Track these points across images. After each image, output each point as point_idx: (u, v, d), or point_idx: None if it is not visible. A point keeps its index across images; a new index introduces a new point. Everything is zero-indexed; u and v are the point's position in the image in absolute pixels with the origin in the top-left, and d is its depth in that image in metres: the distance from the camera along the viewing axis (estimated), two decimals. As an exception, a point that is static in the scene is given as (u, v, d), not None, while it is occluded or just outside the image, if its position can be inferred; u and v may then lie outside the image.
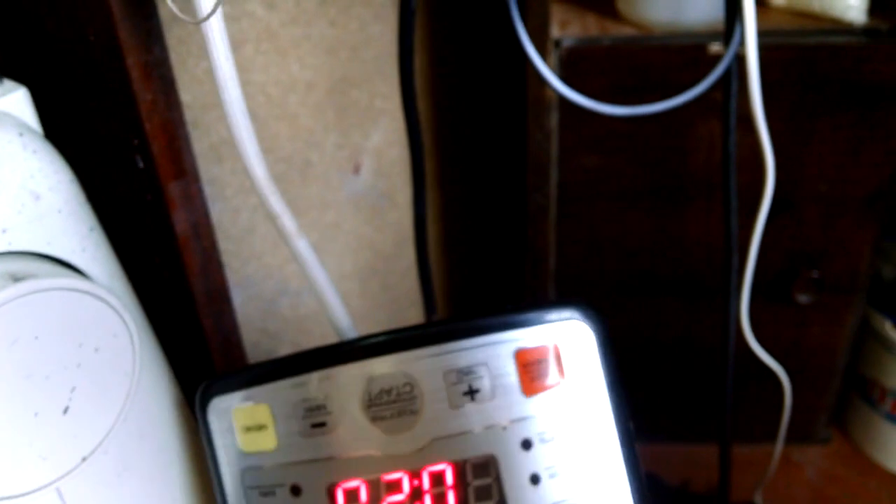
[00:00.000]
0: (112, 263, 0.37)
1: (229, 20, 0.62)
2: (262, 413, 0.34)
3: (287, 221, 0.36)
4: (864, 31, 0.62)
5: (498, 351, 0.31)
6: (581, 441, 0.32)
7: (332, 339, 0.86)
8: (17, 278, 0.29)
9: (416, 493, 0.32)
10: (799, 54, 0.61)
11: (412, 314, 0.96)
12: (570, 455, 0.32)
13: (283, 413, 0.33)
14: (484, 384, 0.31)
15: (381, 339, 0.34)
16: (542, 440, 0.31)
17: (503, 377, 0.31)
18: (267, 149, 0.73)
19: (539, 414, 0.32)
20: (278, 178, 0.75)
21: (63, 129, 0.34)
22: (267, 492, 0.34)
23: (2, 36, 0.33)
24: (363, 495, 0.32)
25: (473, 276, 1.02)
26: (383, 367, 0.32)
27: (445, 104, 0.86)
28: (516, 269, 0.89)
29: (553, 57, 0.63)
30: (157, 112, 0.35)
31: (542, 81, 0.66)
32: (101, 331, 0.32)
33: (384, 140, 0.81)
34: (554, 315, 0.32)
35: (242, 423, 0.34)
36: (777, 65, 0.60)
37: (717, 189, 0.69)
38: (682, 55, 0.62)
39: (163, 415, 0.40)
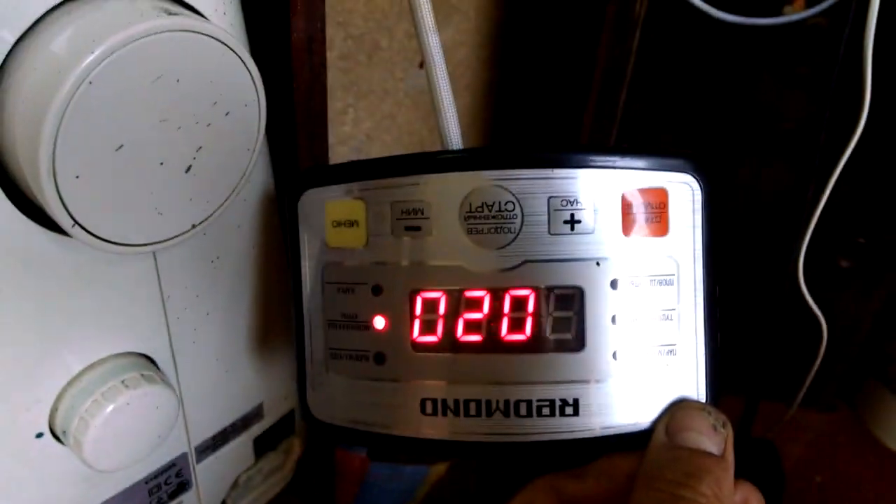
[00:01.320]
0: (244, 39, 0.36)
1: None
2: (357, 209, 0.34)
3: (427, 13, 0.35)
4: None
5: (607, 186, 0.31)
6: (667, 294, 0.32)
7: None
8: (170, 13, 0.29)
9: (495, 315, 0.32)
10: None
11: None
12: (653, 305, 0.32)
13: (379, 212, 0.33)
14: (586, 216, 0.31)
15: (489, 153, 0.33)
16: (633, 283, 0.31)
17: (607, 213, 0.31)
18: (340, 23, 0.72)
19: (634, 257, 0.32)
20: (345, 56, 0.74)
21: None
22: (346, 289, 0.34)
23: None
24: (442, 307, 0.32)
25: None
26: (488, 180, 0.32)
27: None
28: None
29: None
30: None
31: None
32: (238, 96, 0.32)
33: (453, 38, 0.80)
34: (667, 164, 0.31)
35: (334, 217, 0.34)
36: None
37: (772, 146, 0.68)
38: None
39: (261, 208, 0.41)
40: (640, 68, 0.66)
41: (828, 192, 0.52)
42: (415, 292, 0.32)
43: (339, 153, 0.78)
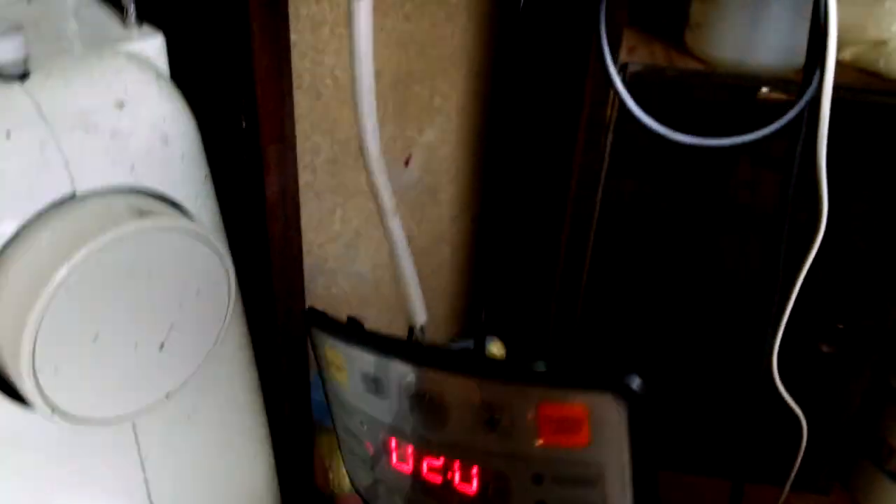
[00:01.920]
0: (217, 214, 0.39)
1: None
2: (341, 360, 0.38)
3: (386, 199, 0.37)
4: (926, 96, 0.63)
5: (526, 398, 0.34)
6: (592, 495, 0.35)
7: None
8: (141, 213, 0.31)
9: (446, 470, 0.34)
10: (862, 111, 0.63)
11: (440, 309, 0.98)
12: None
13: (354, 369, 0.37)
14: (505, 420, 0.34)
15: (433, 354, 0.37)
16: (556, 482, 0.34)
17: (525, 420, 0.34)
18: (327, 130, 0.75)
19: (553, 460, 0.35)
20: (333, 160, 0.77)
21: (178, 78, 0.36)
22: (345, 411, 0.38)
23: None
24: (409, 452, 0.36)
25: (505, 278, 1.04)
26: (426, 375, 0.35)
27: (498, 113, 0.87)
28: (547, 282, 0.90)
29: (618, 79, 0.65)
30: (270, 79, 0.37)
31: (604, 103, 0.67)
32: (205, 276, 0.35)
33: (437, 137, 0.83)
34: (589, 383, 0.34)
35: (328, 356, 0.39)
36: (838, 119, 0.62)
37: (750, 226, 0.70)
38: (743, 96, 0.63)
39: (233, 365, 0.43)
40: (615, 162, 0.69)
41: (799, 282, 0.53)
42: (387, 437, 0.36)
43: (329, 251, 0.80)
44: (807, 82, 0.41)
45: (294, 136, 0.41)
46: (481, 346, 0.49)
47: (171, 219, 0.32)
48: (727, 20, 0.63)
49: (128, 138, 0.31)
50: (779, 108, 0.63)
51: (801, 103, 0.40)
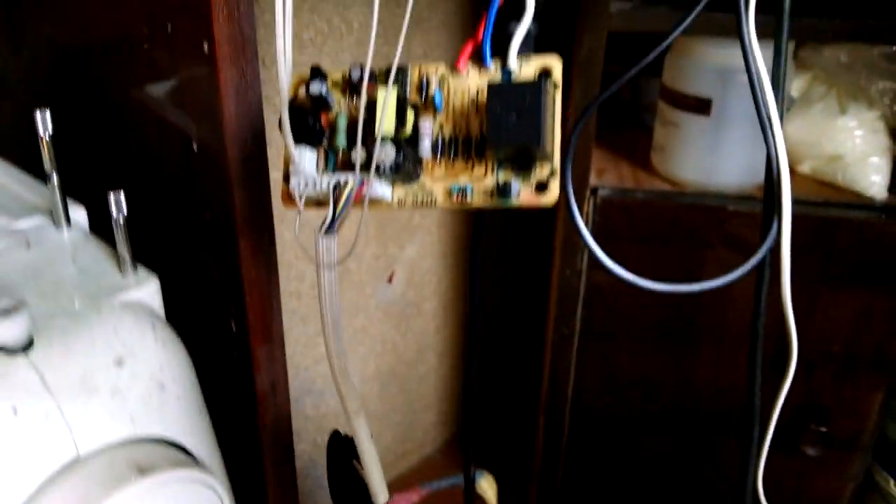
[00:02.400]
0: (211, 439, 0.40)
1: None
2: None
3: (351, 405, 0.39)
4: (885, 207, 0.66)
5: None
6: None
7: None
8: (142, 469, 0.32)
9: None
10: (822, 224, 0.65)
11: (426, 418, 0.99)
12: None
13: None
14: None
15: None
16: None
17: None
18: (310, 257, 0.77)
19: None
20: (317, 285, 0.79)
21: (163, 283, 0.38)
22: None
23: (134, 221, 0.37)
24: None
25: (490, 396, 1.05)
26: None
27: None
28: (531, 398, 0.91)
29: (589, 203, 0.67)
30: (257, 287, 0.39)
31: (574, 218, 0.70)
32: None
33: (418, 252, 0.85)
34: None
35: None
36: (799, 232, 0.64)
37: (727, 337, 0.72)
38: (711, 214, 0.66)
39: None
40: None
41: (776, 414, 0.54)
42: None
43: (316, 372, 0.81)
44: (766, 228, 0.43)
45: (282, 334, 0.42)
46: (471, 486, 0.50)
47: (170, 469, 0.34)
48: (689, 144, 0.66)
49: (127, 393, 0.33)
50: (745, 225, 0.66)
51: (763, 250, 0.42)
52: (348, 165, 0.33)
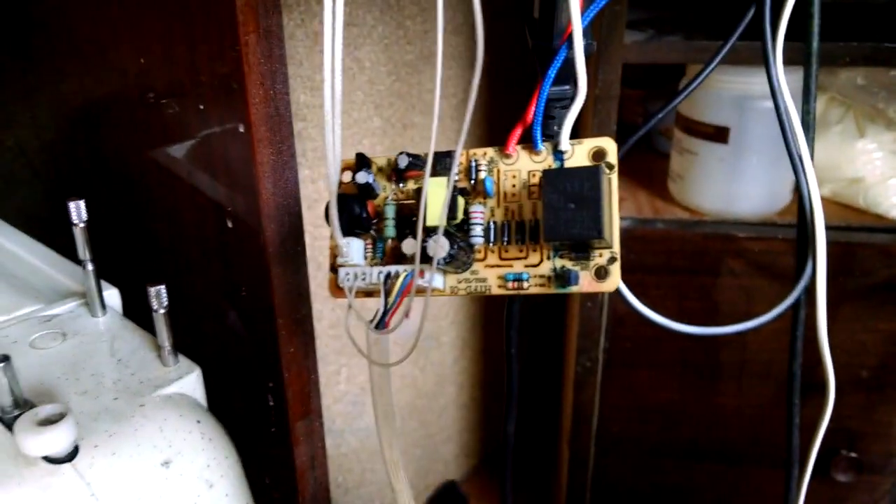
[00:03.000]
0: None
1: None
2: None
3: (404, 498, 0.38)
4: (907, 229, 0.65)
5: None
6: None
7: (371, 477, 0.87)
8: None
9: None
10: (846, 250, 0.64)
11: (447, 450, 0.98)
12: None
13: None
14: None
15: None
16: None
17: None
18: (326, 297, 0.76)
19: None
20: (335, 325, 0.78)
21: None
22: None
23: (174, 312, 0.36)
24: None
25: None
26: None
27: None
28: (551, 429, 0.90)
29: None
30: (295, 362, 0.38)
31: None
32: None
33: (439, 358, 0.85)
34: None
35: None
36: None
37: (749, 367, 0.71)
38: (731, 243, 0.65)
39: None
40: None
41: (814, 453, 0.53)
42: None
43: (336, 411, 0.80)
44: (801, 266, 0.42)
45: (320, 408, 0.41)
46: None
47: None
48: (707, 172, 0.65)
49: (174, 494, 0.32)
50: (767, 252, 0.65)
51: (797, 291, 0.41)
52: (398, 254, 0.33)
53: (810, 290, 0.43)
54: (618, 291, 0.41)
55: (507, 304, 0.40)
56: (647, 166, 0.77)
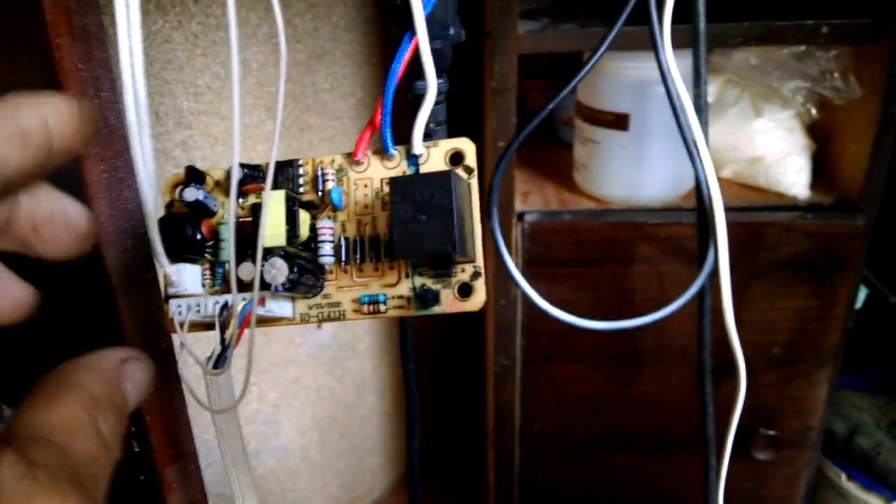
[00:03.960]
0: None
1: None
2: None
3: None
4: (808, 206, 0.65)
5: None
6: None
7: (293, 496, 0.84)
8: None
9: None
10: (750, 230, 0.64)
11: (372, 460, 0.95)
12: None
13: None
14: None
15: None
16: None
17: None
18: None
19: None
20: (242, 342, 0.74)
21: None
22: None
23: None
24: None
25: (437, 431, 1.01)
26: None
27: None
28: (477, 430, 0.89)
29: (517, 229, 0.65)
30: (157, 403, 0.34)
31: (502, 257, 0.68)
32: None
33: (345, 292, 0.82)
34: None
35: None
36: (729, 240, 0.63)
37: (666, 354, 0.71)
38: (639, 230, 0.64)
39: None
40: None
41: (731, 436, 0.52)
42: None
43: (250, 432, 0.76)
44: (703, 255, 0.41)
45: (194, 449, 0.38)
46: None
47: None
48: (610, 161, 0.64)
49: None
50: (674, 237, 0.65)
51: (701, 279, 0.40)
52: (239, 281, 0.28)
53: (714, 275, 0.42)
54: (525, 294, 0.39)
55: (399, 318, 0.37)
56: (552, 157, 0.76)
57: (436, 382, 1.03)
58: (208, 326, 0.29)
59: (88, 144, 0.27)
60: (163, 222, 0.27)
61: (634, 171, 0.63)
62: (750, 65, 0.66)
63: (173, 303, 0.28)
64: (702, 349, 0.43)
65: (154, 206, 0.25)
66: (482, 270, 0.29)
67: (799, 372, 0.70)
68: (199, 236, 0.29)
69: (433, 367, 1.00)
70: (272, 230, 0.28)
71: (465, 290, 0.29)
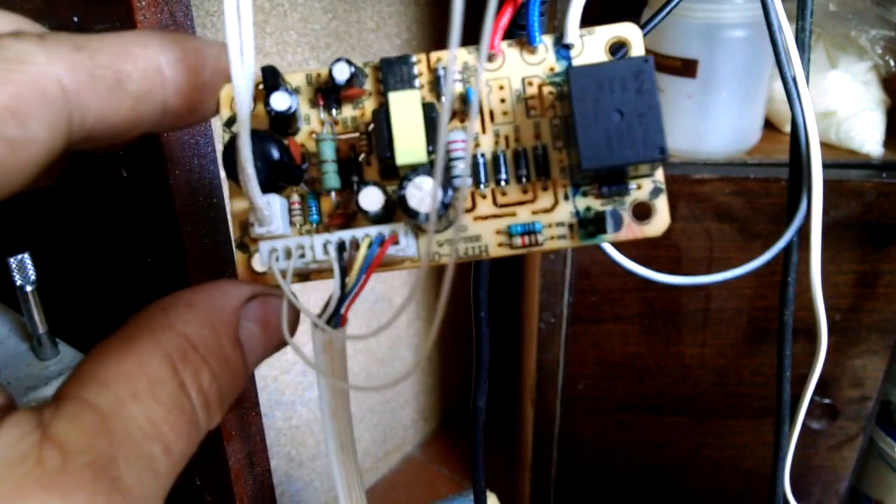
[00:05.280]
0: None
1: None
2: None
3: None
4: (882, 164, 0.62)
5: None
6: None
7: (326, 448, 0.83)
8: None
9: None
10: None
11: (404, 415, 0.93)
12: None
13: None
14: None
15: None
16: None
17: None
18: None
19: None
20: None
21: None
22: None
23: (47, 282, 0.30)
24: None
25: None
26: None
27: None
28: (510, 385, 0.86)
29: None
30: None
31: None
32: None
33: (384, 244, 0.79)
34: None
35: None
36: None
37: (712, 318, 0.68)
38: (701, 185, 0.61)
39: None
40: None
41: (804, 409, 0.50)
42: None
43: (284, 382, 0.75)
44: (793, 207, 0.38)
45: (255, 394, 0.35)
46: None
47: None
48: (675, 110, 0.61)
49: None
50: (736, 194, 0.61)
51: (790, 232, 0.37)
52: (345, 216, 0.23)
53: (802, 231, 0.39)
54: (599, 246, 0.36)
55: (474, 262, 0.34)
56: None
57: (468, 338, 1.01)
58: (302, 276, 0.23)
59: (212, 112, 0.22)
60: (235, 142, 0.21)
61: (700, 121, 0.60)
62: (827, 11, 0.62)
63: (265, 246, 0.22)
64: (783, 308, 0.40)
65: (248, 116, 0.19)
66: (663, 185, 0.23)
67: (860, 339, 0.67)
68: (287, 159, 0.22)
69: (466, 321, 0.98)
70: (407, 143, 0.22)
71: (646, 211, 0.23)
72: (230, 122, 0.23)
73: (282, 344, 0.22)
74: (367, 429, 0.88)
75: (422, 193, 0.20)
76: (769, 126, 0.66)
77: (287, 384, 0.75)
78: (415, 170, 0.21)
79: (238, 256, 0.23)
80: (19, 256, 0.27)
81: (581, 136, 0.21)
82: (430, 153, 0.22)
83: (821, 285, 0.40)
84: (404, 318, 0.87)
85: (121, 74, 0.19)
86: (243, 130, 0.19)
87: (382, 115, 0.22)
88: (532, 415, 0.75)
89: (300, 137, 0.24)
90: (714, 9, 0.56)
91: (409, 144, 0.22)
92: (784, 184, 0.61)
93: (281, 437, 0.76)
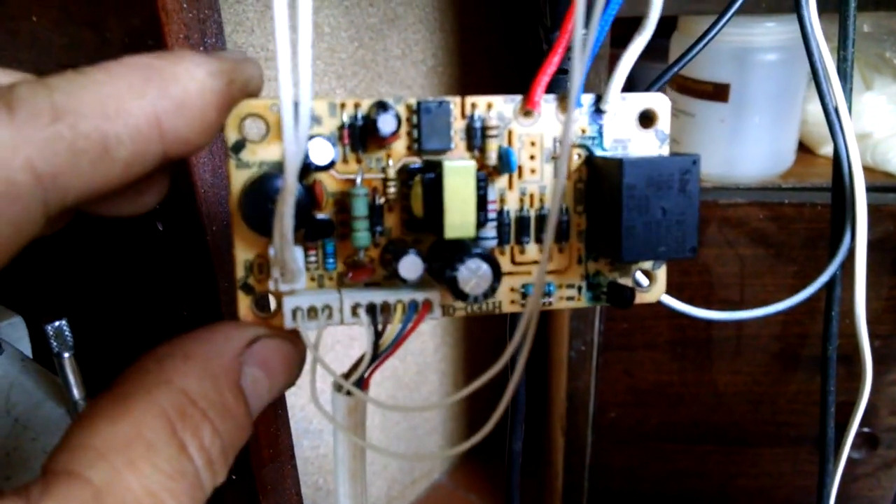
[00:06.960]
0: None
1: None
2: None
3: None
4: (920, 188, 0.60)
5: None
6: None
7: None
8: None
9: None
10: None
11: (431, 441, 0.92)
12: None
13: None
14: None
15: None
16: None
17: None
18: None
19: None
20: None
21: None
22: None
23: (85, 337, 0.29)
24: None
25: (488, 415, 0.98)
26: None
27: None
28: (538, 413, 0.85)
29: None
30: None
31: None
32: None
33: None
34: None
35: None
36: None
37: (744, 345, 0.67)
38: (734, 210, 0.60)
39: None
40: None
41: (849, 440, 0.49)
42: None
43: (312, 411, 0.74)
44: (836, 240, 0.37)
45: (291, 447, 0.34)
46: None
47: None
48: (706, 135, 0.60)
49: None
50: (770, 219, 0.60)
51: (834, 265, 0.36)
52: (369, 271, 0.22)
53: (846, 263, 0.38)
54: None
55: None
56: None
57: (494, 360, 1.00)
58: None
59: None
60: (258, 185, 0.19)
61: (732, 145, 0.59)
62: (862, 32, 0.61)
63: (290, 302, 0.21)
64: (827, 343, 0.39)
65: (296, 175, 0.17)
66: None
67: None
68: (316, 211, 0.21)
69: (491, 342, 0.97)
70: (458, 217, 0.20)
71: (647, 278, 0.24)
72: (237, 147, 0.21)
73: (286, 387, 0.21)
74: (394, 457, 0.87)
75: (476, 279, 0.20)
76: (803, 148, 0.65)
77: (314, 413, 0.74)
78: (463, 250, 0.20)
79: (241, 297, 0.22)
80: (56, 323, 0.27)
81: (625, 229, 0.21)
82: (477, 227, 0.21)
83: (864, 316, 0.39)
84: (431, 344, 0.86)
85: (108, 141, 0.16)
86: (288, 199, 0.18)
87: (435, 187, 0.21)
88: (562, 443, 0.74)
89: (321, 175, 0.22)
90: (746, 32, 0.55)
91: (459, 219, 0.20)
92: (819, 208, 0.60)
93: (308, 466, 0.75)
